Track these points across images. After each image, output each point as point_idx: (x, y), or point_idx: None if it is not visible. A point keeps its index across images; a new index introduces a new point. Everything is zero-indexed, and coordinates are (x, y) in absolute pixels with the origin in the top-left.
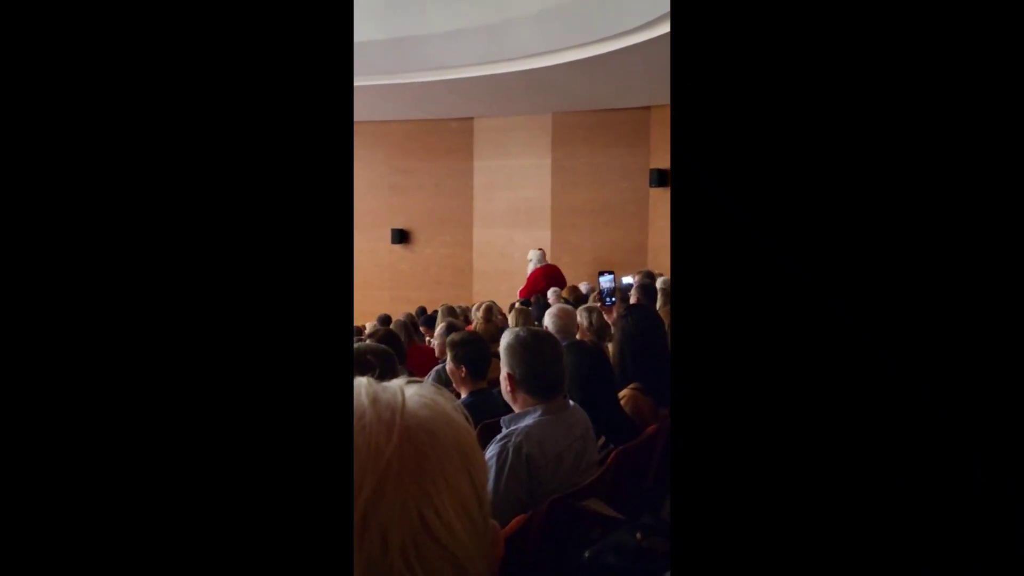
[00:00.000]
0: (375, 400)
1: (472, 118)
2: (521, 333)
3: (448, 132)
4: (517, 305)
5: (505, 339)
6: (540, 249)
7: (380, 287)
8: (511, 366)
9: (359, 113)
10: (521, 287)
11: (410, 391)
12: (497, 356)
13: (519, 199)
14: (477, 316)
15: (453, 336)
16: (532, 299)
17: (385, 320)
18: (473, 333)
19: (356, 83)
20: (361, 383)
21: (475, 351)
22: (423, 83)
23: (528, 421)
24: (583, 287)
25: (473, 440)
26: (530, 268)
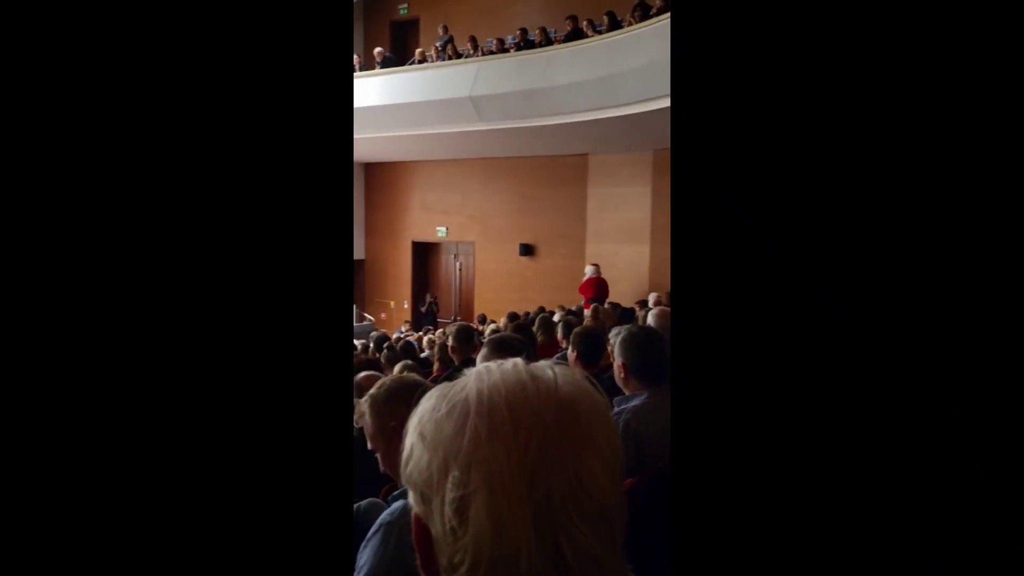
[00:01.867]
0: (533, 376)
1: (587, 154)
2: (634, 329)
3: (567, 166)
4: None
5: (621, 334)
6: (595, 264)
7: (509, 290)
8: (625, 356)
9: (495, 151)
10: (580, 285)
11: (557, 369)
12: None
13: (624, 220)
14: (587, 315)
15: (576, 330)
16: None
17: (513, 316)
18: (590, 327)
19: (494, 126)
20: (518, 362)
21: (590, 342)
22: (547, 126)
23: (636, 402)
24: None
25: (608, 410)
26: (586, 276)
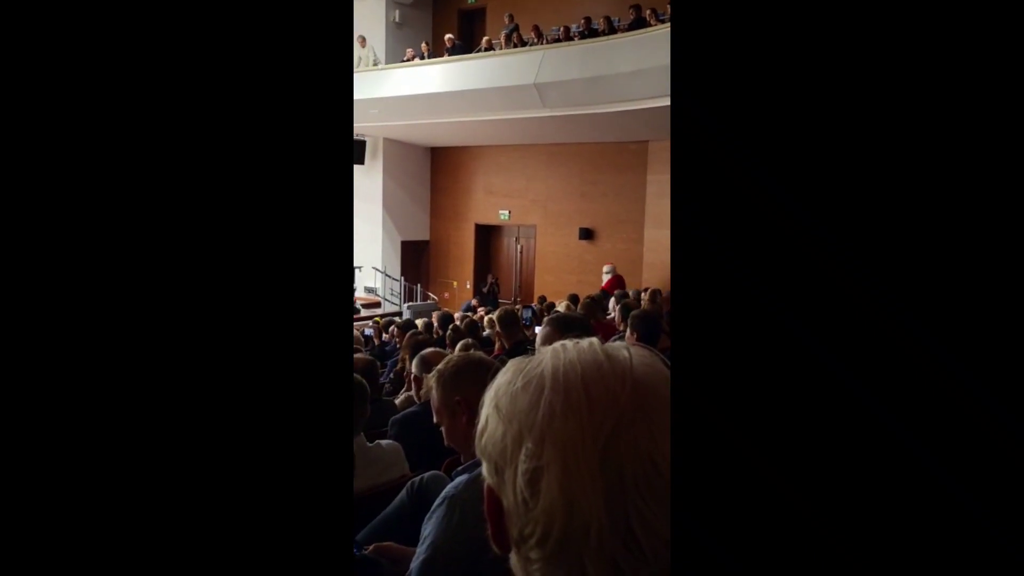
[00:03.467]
0: (609, 356)
1: (648, 141)
2: None
3: (628, 152)
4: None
5: None
6: (612, 264)
7: (569, 272)
8: None
9: (558, 136)
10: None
11: (633, 350)
12: (665, 332)
13: None
14: (644, 298)
15: (633, 312)
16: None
17: (574, 299)
18: (648, 310)
19: (558, 113)
20: (594, 342)
21: (648, 324)
22: (610, 113)
23: None
24: None
25: None
26: (605, 277)
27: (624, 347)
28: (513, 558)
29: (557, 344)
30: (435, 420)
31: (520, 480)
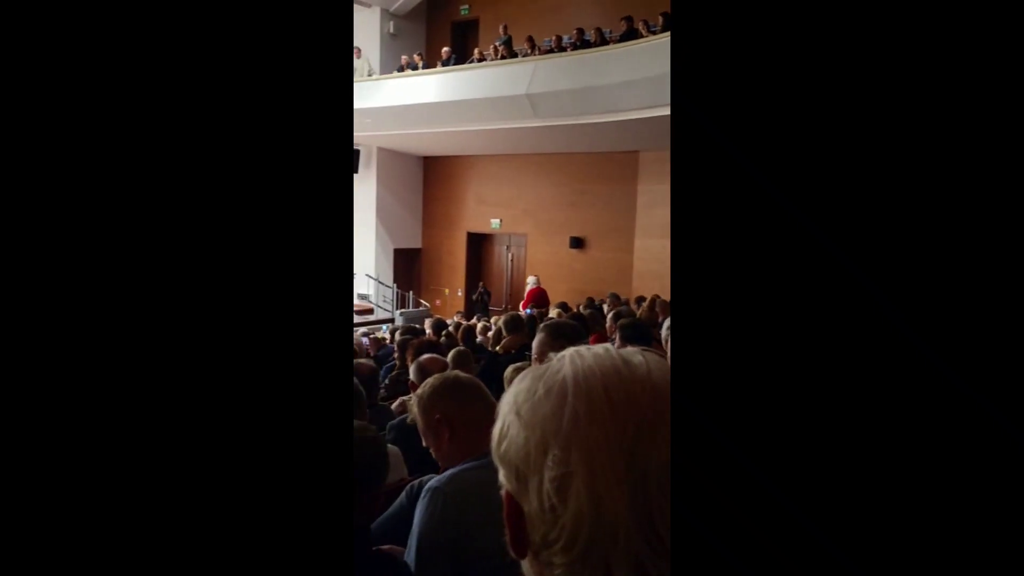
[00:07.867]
0: (625, 361)
1: (638, 151)
2: None
3: (618, 162)
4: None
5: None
6: (536, 276)
7: (559, 281)
8: None
9: (549, 146)
10: (526, 297)
11: (647, 355)
12: (656, 340)
13: None
14: (643, 306)
15: (623, 321)
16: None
17: (564, 307)
18: (636, 319)
19: (549, 123)
20: (609, 348)
21: (637, 332)
22: (600, 123)
23: None
24: None
25: None
26: (528, 286)
27: (638, 352)
28: (527, 563)
29: (573, 350)
30: (424, 444)
31: (548, 487)
